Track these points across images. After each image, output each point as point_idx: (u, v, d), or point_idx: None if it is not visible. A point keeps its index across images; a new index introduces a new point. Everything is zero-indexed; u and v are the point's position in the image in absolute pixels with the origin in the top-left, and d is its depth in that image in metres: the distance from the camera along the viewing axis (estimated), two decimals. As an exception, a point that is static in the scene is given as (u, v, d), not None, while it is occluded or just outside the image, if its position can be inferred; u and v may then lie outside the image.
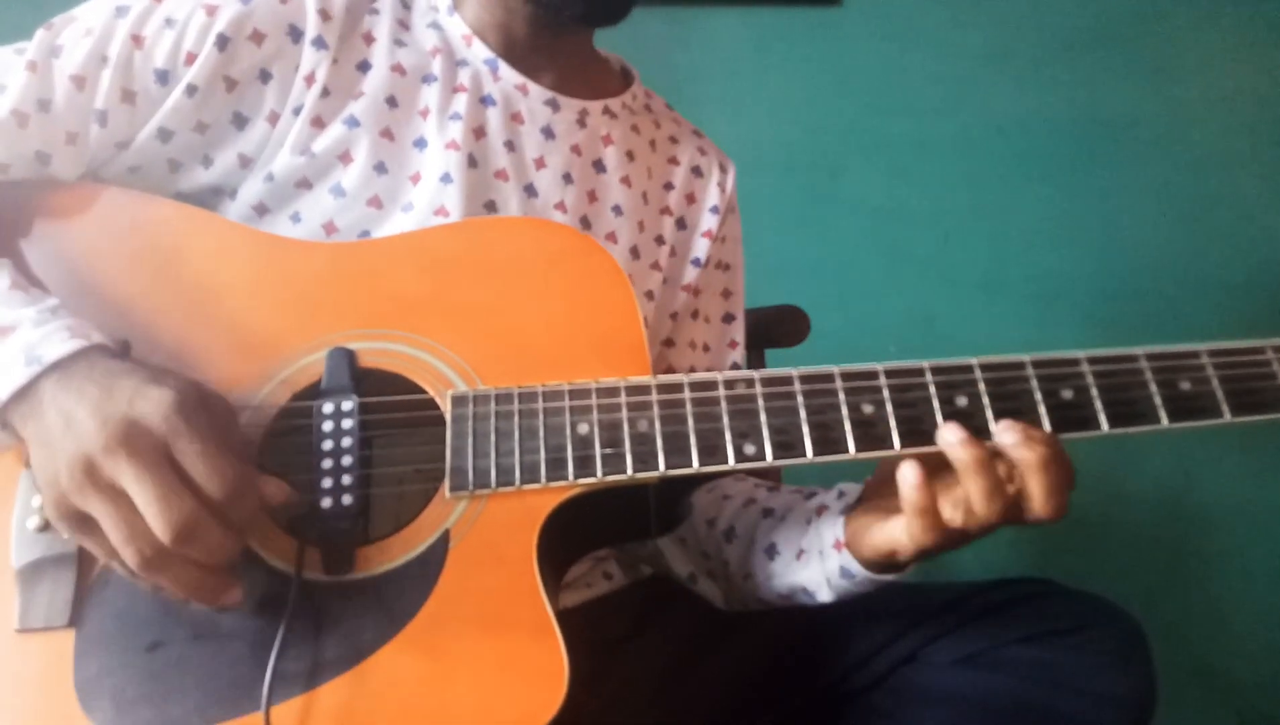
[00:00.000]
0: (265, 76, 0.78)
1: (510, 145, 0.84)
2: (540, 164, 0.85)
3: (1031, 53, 1.77)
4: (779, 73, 1.73)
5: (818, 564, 0.72)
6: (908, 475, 0.61)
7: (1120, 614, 0.75)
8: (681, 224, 0.95)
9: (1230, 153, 1.78)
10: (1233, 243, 1.75)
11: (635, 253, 0.89)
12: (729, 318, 0.99)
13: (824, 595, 0.73)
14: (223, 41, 0.75)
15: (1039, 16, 1.77)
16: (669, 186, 0.95)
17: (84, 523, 0.58)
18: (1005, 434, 0.61)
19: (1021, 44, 1.77)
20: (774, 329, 1.15)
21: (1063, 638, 0.73)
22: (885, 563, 0.68)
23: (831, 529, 0.72)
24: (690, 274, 0.94)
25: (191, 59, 0.75)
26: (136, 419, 0.57)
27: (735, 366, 0.98)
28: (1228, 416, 0.64)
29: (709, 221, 0.96)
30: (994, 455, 0.61)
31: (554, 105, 0.87)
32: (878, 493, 0.70)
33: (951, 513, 0.62)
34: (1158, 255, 1.74)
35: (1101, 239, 1.74)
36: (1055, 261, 1.73)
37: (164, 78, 0.75)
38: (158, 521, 0.56)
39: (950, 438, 0.61)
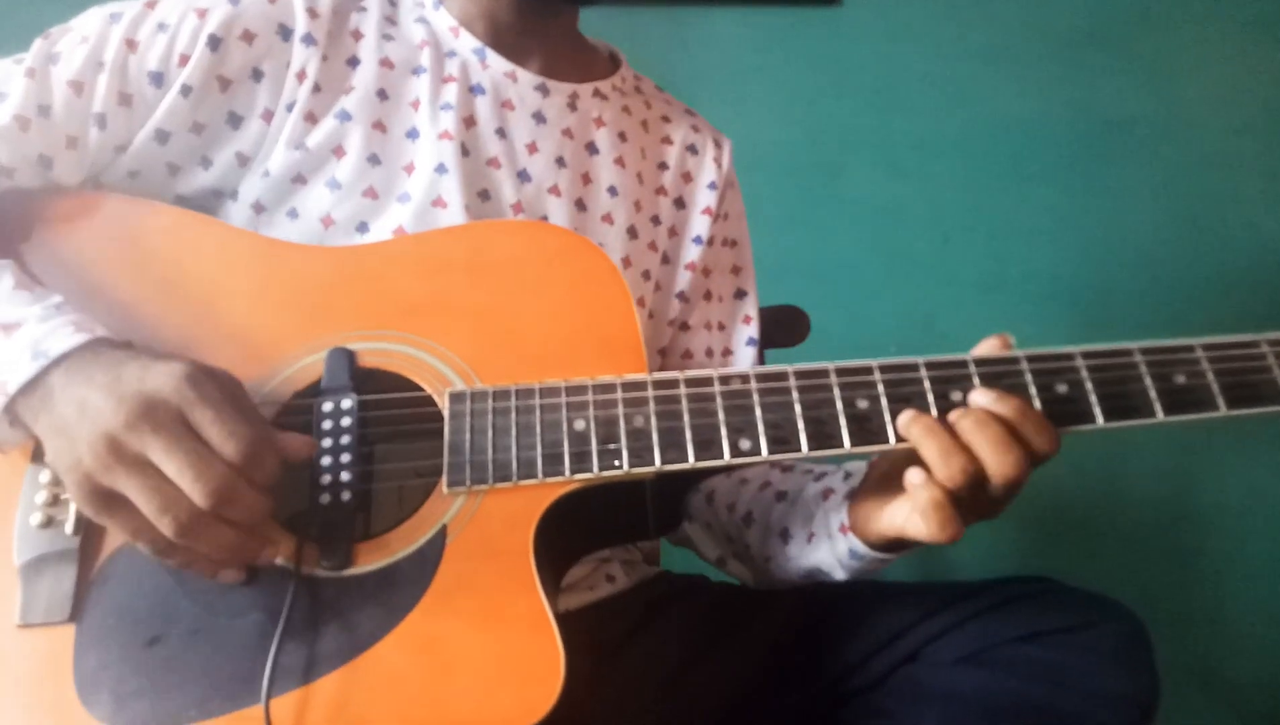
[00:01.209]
0: (257, 75, 0.79)
1: (501, 132, 0.85)
2: (532, 149, 0.86)
3: (1031, 53, 1.77)
4: (779, 73, 1.73)
5: (828, 547, 0.74)
6: (913, 477, 0.63)
7: (1123, 611, 0.75)
8: (679, 203, 0.95)
9: (1230, 153, 1.77)
10: (1233, 243, 1.75)
11: (633, 233, 0.90)
12: (741, 294, 0.99)
13: (839, 574, 0.75)
14: (214, 42, 0.77)
15: (1039, 16, 1.77)
16: (663, 166, 0.95)
17: (111, 501, 0.59)
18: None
19: (1021, 44, 1.77)
20: (774, 329, 1.15)
21: (1065, 636, 0.73)
22: (891, 547, 0.69)
23: (837, 514, 0.73)
24: (692, 252, 0.94)
25: (185, 60, 0.76)
26: (151, 393, 0.59)
27: (752, 341, 0.98)
28: (1223, 410, 0.65)
29: (707, 198, 0.96)
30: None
31: (543, 90, 0.87)
32: (880, 471, 0.71)
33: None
34: (1157, 255, 1.74)
35: (1101, 239, 1.74)
36: (1055, 261, 1.73)
37: (158, 80, 0.76)
38: (195, 486, 0.57)
39: (903, 420, 0.64)
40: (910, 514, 0.65)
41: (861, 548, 0.71)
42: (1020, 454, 0.62)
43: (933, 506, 0.62)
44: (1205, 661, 1.64)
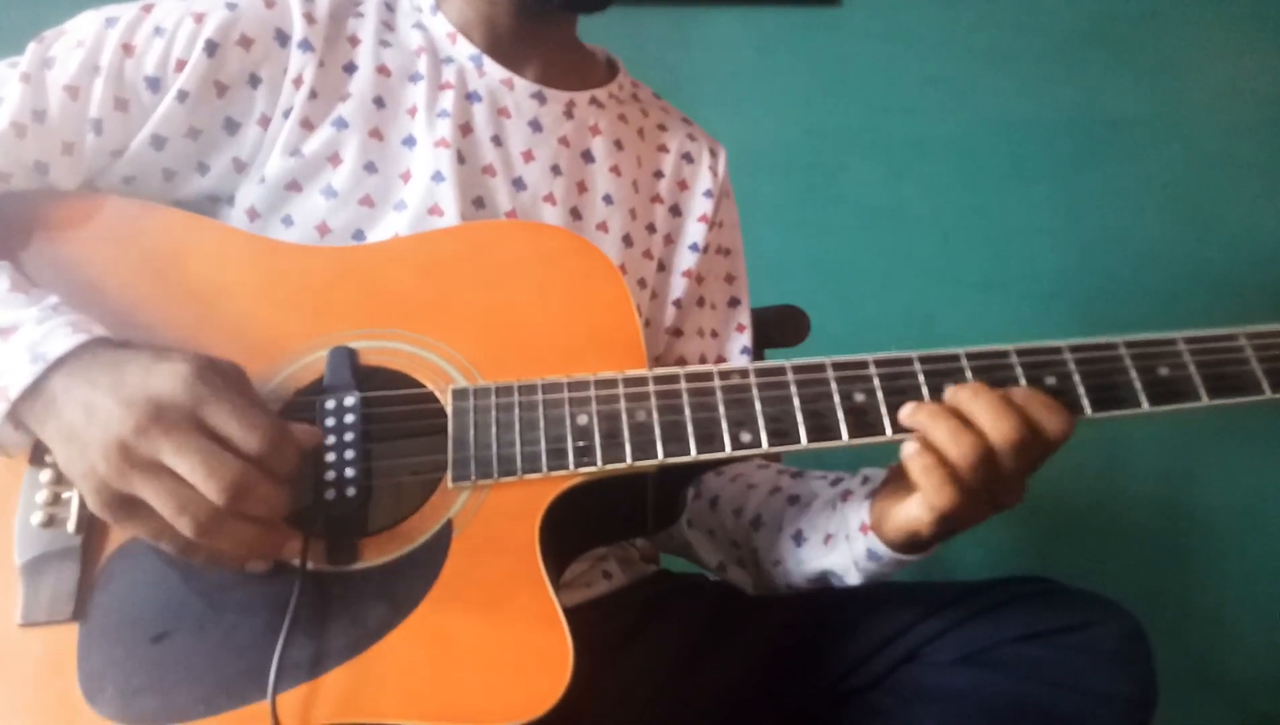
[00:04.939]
0: (254, 80, 0.79)
1: (497, 140, 0.85)
2: (528, 157, 0.86)
3: (1031, 53, 1.77)
4: (779, 73, 1.73)
5: (845, 548, 0.74)
6: (907, 448, 0.65)
7: (1121, 612, 0.75)
8: (675, 211, 0.95)
9: (1230, 152, 1.77)
10: (1233, 242, 1.75)
11: (628, 241, 0.90)
12: (734, 302, 1.00)
13: (852, 578, 0.75)
14: (211, 47, 0.77)
15: (1039, 16, 1.77)
16: (659, 174, 0.95)
17: (128, 506, 0.59)
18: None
19: (1021, 44, 1.77)
20: (774, 329, 1.15)
21: (1063, 636, 0.73)
22: (909, 543, 0.69)
23: (857, 513, 0.74)
24: (688, 259, 0.95)
25: (181, 65, 0.76)
26: (159, 394, 0.58)
27: (745, 350, 0.98)
28: (1205, 399, 0.67)
29: (703, 206, 0.96)
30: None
31: (540, 98, 0.87)
32: (901, 476, 0.71)
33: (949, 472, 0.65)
34: (1158, 255, 1.74)
35: (1101, 239, 1.74)
36: (1055, 261, 1.73)
37: (155, 85, 0.76)
38: (209, 485, 0.57)
39: (905, 412, 0.66)
40: (918, 497, 0.66)
41: (880, 547, 0.71)
42: (1018, 420, 0.63)
43: (926, 470, 0.64)
44: (1204, 661, 1.64)
